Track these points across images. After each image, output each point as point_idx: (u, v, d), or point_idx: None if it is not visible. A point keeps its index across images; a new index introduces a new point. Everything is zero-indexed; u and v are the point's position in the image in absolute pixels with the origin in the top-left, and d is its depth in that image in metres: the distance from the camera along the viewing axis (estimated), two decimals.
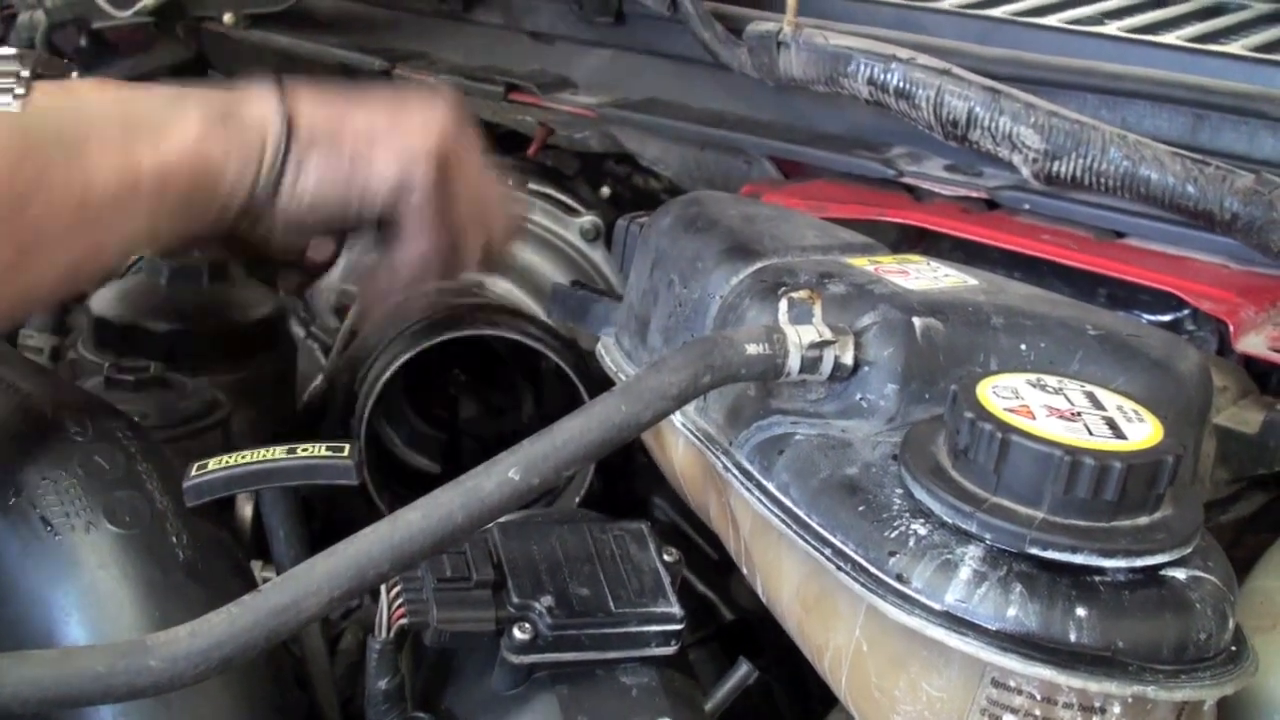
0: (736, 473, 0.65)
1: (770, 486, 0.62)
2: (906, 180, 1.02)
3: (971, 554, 0.53)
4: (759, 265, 0.72)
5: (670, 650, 0.70)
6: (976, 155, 0.98)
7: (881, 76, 0.98)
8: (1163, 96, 0.96)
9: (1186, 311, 0.89)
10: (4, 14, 1.49)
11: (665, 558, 0.73)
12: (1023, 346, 0.64)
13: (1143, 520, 0.53)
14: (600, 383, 0.90)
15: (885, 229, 0.96)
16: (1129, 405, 0.58)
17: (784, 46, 1.04)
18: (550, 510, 0.99)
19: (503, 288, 1.17)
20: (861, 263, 0.71)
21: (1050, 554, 0.52)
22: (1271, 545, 0.74)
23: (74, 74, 1.35)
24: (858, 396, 0.63)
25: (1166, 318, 0.90)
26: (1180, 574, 0.54)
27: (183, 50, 1.49)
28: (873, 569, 0.55)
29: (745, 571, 0.69)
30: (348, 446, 0.74)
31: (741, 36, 1.09)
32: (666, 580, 0.71)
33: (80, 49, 1.43)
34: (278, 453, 0.74)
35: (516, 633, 0.67)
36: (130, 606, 0.69)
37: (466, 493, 0.57)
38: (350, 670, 0.82)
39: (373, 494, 0.98)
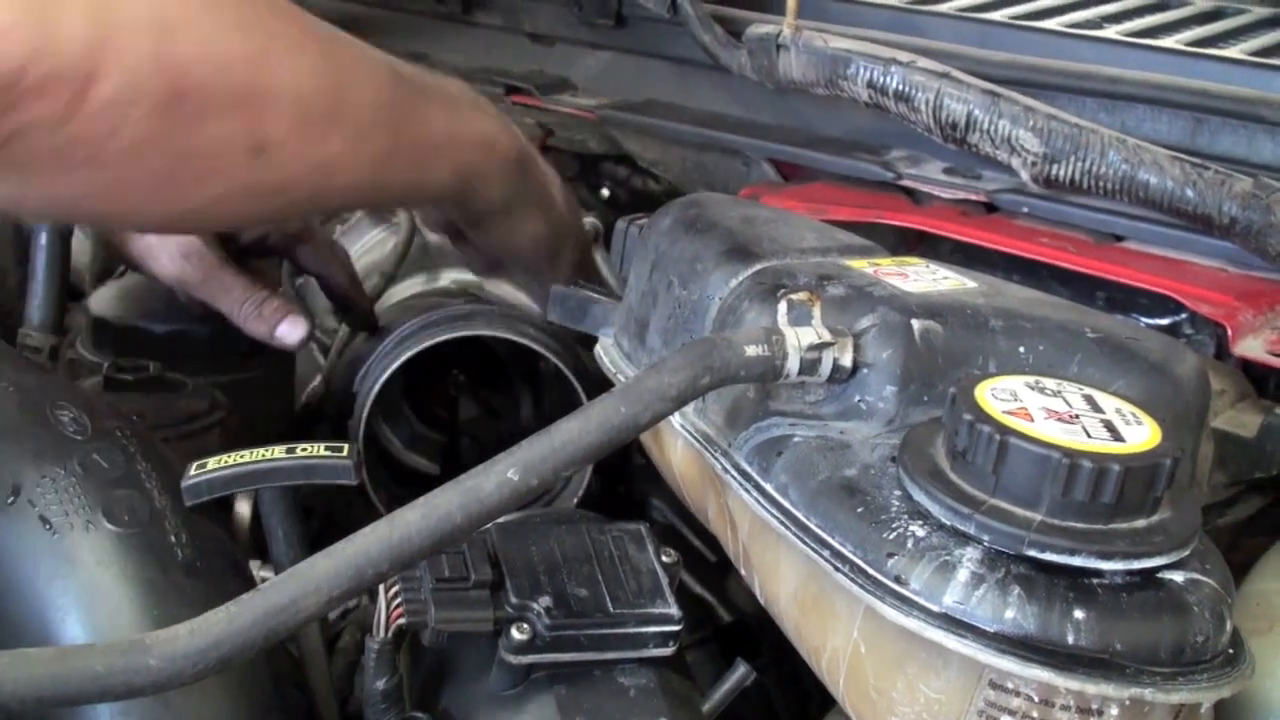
0: (735, 474, 0.65)
1: (769, 488, 0.62)
2: (905, 183, 1.02)
3: (970, 556, 0.53)
4: (758, 267, 0.72)
5: (668, 651, 0.70)
6: (975, 158, 0.98)
7: (881, 79, 0.98)
8: (1162, 100, 0.95)
9: (1185, 315, 0.89)
10: None
11: (663, 559, 0.73)
12: (1021, 349, 0.64)
13: (1140, 523, 0.53)
14: (599, 384, 0.90)
15: (884, 231, 0.96)
16: (1127, 408, 0.58)
17: (783, 49, 1.05)
18: (549, 511, 0.99)
19: (502, 289, 1.17)
20: (860, 265, 0.71)
21: (1048, 556, 0.52)
22: (1269, 548, 0.74)
23: None
24: (856, 398, 0.63)
25: (1165, 321, 0.91)
26: (1178, 576, 0.54)
27: None
28: (871, 570, 0.55)
29: (743, 573, 0.69)
30: (347, 446, 0.74)
31: (741, 39, 1.09)
32: (664, 581, 0.71)
33: None
34: (276, 452, 0.74)
35: (514, 633, 0.67)
36: (129, 605, 0.69)
37: (465, 493, 0.57)
38: (348, 670, 0.82)
39: (371, 495, 0.98)
